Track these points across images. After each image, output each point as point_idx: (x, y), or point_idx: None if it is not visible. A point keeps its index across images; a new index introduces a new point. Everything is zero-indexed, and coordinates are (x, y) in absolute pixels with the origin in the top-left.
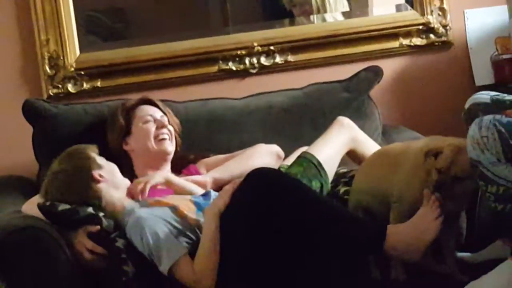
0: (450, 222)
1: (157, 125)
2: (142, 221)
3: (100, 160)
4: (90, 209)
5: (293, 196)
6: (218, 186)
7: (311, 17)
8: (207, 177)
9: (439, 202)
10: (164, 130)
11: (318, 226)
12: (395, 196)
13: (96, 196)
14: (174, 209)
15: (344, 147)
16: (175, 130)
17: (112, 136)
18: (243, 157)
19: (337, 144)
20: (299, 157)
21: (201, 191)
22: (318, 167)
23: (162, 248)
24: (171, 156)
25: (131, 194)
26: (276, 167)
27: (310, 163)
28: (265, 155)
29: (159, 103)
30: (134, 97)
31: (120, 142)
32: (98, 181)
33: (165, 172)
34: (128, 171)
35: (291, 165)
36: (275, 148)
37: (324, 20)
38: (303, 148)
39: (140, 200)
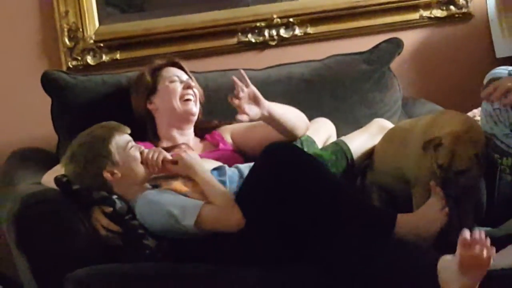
0: (468, 195)
1: (183, 86)
2: (150, 197)
3: (120, 153)
4: (104, 192)
5: (308, 175)
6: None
7: None
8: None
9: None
10: (190, 91)
11: (330, 210)
12: (412, 180)
13: (107, 187)
14: (185, 196)
15: None
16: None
17: (137, 95)
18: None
19: (371, 146)
20: (336, 143)
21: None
22: (350, 162)
23: (179, 208)
24: (195, 118)
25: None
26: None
27: (344, 156)
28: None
29: (186, 68)
30: None
31: (145, 101)
32: (110, 180)
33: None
34: (151, 131)
35: (326, 148)
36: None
37: None
38: (322, 119)
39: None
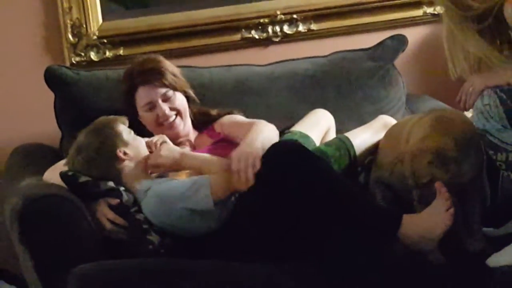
0: (473, 193)
1: (158, 113)
2: (157, 191)
3: (127, 135)
4: (111, 183)
5: (314, 174)
6: None
7: None
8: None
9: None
10: (168, 115)
11: (335, 210)
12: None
13: (117, 173)
14: None
15: None
16: (184, 92)
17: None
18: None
19: (374, 143)
20: (340, 140)
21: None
22: (353, 158)
23: (189, 189)
24: (183, 134)
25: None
26: None
27: (347, 152)
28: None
29: (156, 78)
30: None
31: (135, 116)
32: (122, 160)
33: (178, 149)
34: (150, 136)
35: (330, 143)
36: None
37: None
38: (321, 110)
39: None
